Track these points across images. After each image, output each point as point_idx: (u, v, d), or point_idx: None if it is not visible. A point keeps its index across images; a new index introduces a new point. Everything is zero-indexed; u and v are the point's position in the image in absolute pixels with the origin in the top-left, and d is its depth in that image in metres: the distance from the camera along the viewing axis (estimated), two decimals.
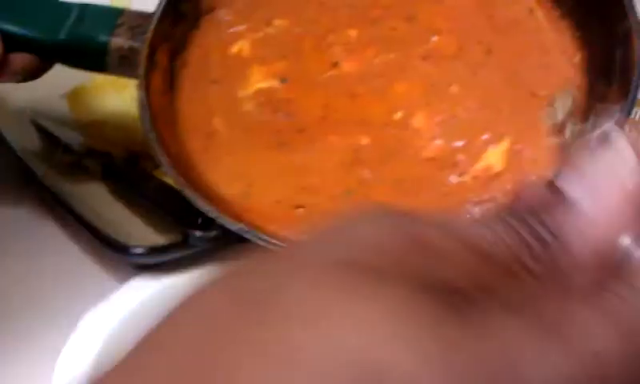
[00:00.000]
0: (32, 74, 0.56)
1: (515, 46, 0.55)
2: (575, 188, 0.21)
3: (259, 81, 0.55)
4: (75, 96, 0.66)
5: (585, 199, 0.21)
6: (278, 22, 0.57)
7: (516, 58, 0.54)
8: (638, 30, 0.50)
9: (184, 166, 0.52)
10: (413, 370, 0.18)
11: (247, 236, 0.48)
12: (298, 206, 0.50)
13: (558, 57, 0.54)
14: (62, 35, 0.55)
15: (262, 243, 0.47)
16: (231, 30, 0.56)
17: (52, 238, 0.60)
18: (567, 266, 0.21)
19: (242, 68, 0.55)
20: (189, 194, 0.49)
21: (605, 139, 0.22)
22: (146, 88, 0.52)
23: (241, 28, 0.56)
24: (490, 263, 0.20)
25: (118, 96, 0.65)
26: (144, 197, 0.61)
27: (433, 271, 0.20)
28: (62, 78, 0.63)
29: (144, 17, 0.54)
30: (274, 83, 0.55)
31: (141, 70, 0.52)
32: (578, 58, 0.54)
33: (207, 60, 0.56)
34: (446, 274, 0.20)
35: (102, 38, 0.54)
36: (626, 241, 0.21)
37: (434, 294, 0.19)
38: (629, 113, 0.49)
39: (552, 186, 0.22)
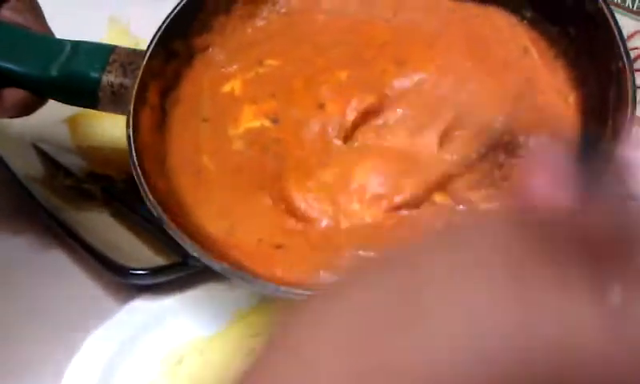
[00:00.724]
0: (25, 109, 0.56)
1: (508, 88, 0.54)
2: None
3: (250, 120, 0.55)
4: (75, 121, 0.67)
5: None
6: (269, 62, 0.56)
7: (509, 102, 0.54)
8: (630, 70, 0.50)
9: (172, 203, 0.52)
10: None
11: (229, 276, 0.48)
12: (278, 246, 0.50)
13: (552, 97, 0.54)
14: (54, 72, 0.55)
15: (244, 282, 0.48)
16: (223, 70, 0.56)
17: (54, 261, 0.61)
18: None
19: (233, 107, 0.55)
20: (172, 231, 0.49)
21: None
22: (135, 125, 0.52)
23: (233, 68, 0.56)
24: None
25: (117, 121, 0.66)
26: (144, 219, 0.61)
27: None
28: (62, 103, 0.64)
29: (136, 54, 0.55)
30: (264, 122, 0.54)
31: (130, 107, 0.52)
32: (572, 97, 0.54)
33: (199, 98, 0.56)
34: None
35: (94, 74, 0.54)
36: None
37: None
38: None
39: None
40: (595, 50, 0.52)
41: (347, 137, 0.53)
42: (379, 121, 0.54)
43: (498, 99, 0.54)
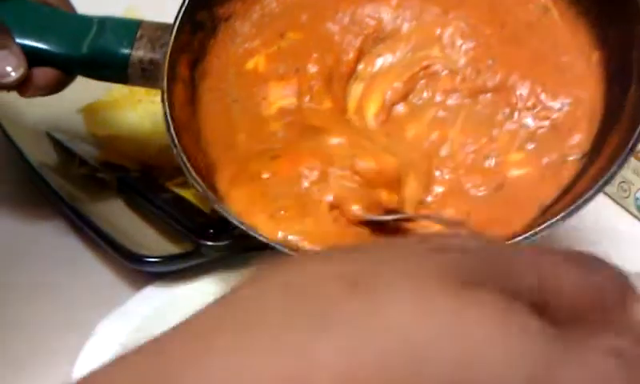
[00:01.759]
0: (55, 87, 0.56)
1: (529, 52, 0.54)
2: None
3: (279, 98, 0.54)
4: (90, 111, 0.67)
5: None
6: (290, 35, 0.56)
7: (531, 64, 0.54)
8: None
9: (210, 177, 0.51)
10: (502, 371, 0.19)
11: (284, 250, 0.47)
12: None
13: (575, 57, 0.53)
14: (84, 49, 0.55)
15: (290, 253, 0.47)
16: (247, 45, 0.56)
17: (68, 248, 0.61)
18: None
19: (259, 85, 0.55)
20: (220, 209, 0.49)
21: None
22: (169, 101, 0.52)
23: (255, 42, 0.56)
24: (588, 298, 0.22)
25: (131, 111, 0.66)
26: (157, 208, 0.61)
27: (533, 288, 0.21)
28: (77, 93, 0.63)
29: (163, 28, 0.54)
30: (293, 100, 0.54)
31: (163, 84, 0.52)
32: (595, 57, 0.53)
33: (226, 76, 0.56)
34: (545, 293, 0.21)
35: (124, 50, 0.54)
36: None
37: (528, 307, 0.21)
38: None
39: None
40: (618, 10, 0.51)
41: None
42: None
43: (518, 62, 0.53)
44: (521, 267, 0.22)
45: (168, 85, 0.52)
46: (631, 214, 0.68)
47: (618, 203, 0.69)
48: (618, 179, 0.67)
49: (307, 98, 0.55)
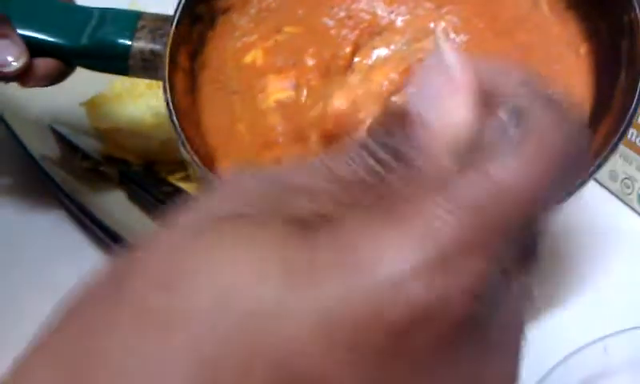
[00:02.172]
0: (56, 78, 0.56)
1: (520, 45, 0.55)
2: (414, 101, 0.22)
3: (277, 91, 0.55)
4: (93, 104, 0.67)
5: (423, 105, 0.22)
6: (288, 29, 0.57)
7: (522, 57, 0.54)
8: None
9: (211, 165, 0.53)
10: (253, 289, 0.19)
11: None
12: None
13: (564, 49, 0.54)
14: (85, 40, 0.55)
15: None
16: (245, 39, 0.57)
17: (69, 241, 0.61)
18: (419, 168, 0.21)
19: (258, 78, 0.56)
20: None
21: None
22: (171, 90, 0.52)
23: (253, 37, 0.57)
24: (342, 187, 0.22)
25: (134, 104, 0.66)
26: (159, 201, 0.62)
27: (292, 206, 0.21)
28: (80, 86, 0.64)
29: (162, 19, 0.55)
30: (291, 93, 0.55)
31: (164, 73, 0.53)
32: (583, 49, 0.54)
33: (224, 68, 0.56)
34: (303, 205, 0.21)
35: (124, 41, 0.55)
36: (500, 117, 0.21)
37: (289, 224, 0.20)
38: (636, 109, 0.49)
39: (395, 109, 0.22)
40: (606, 1, 0.52)
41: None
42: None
43: (510, 55, 0.54)
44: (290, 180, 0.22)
45: (169, 74, 0.53)
46: (634, 210, 0.68)
47: (621, 200, 0.69)
48: (621, 176, 0.67)
49: (305, 92, 0.55)
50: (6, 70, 0.53)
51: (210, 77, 0.56)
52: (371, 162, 0.22)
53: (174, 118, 0.51)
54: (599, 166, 0.49)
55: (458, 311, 0.20)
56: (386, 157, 0.22)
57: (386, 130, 0.22)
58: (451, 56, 0.22)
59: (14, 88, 0.69)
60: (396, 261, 0.19)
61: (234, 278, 0.19)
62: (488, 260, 0.20)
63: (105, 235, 0.59)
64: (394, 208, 0.20)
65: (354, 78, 0.56)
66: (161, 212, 0.22)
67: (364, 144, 0.22)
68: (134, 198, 0.64)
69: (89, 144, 0.67)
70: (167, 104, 0.52)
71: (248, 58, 0.56)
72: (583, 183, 0.49)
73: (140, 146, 0.66)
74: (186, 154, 0.51)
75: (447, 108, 0.21)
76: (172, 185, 0.64)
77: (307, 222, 0.20)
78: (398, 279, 0.19)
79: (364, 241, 0.20)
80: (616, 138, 0.49)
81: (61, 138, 0.67)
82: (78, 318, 0.22)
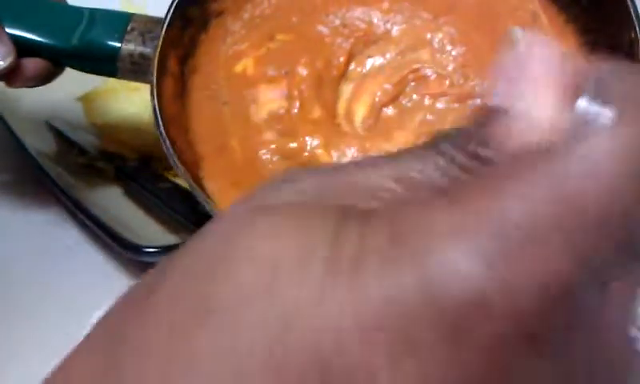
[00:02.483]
0: (44, 79, 0.56)
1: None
2: (504, 96, 0.19)
3: (268, 102, 0.55)
4: (89, 100, 0.67)
5: (516, 98, 0.19)
6: (280, 37, 0.57)
7: None
8: None
9: (196, 171, 0.53)
10: (296, 276, 0.18)
11: None
12: None
13: None
14: (75, 41, 0.55)
15: None
16: (235, 47, 0.56)
17: (66, 237, 0.61)
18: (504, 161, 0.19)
19: (249, 88, 0.56)
20: (203, 201, 0.50)
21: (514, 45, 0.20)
22: (159, 95, 0.52)
23: (244, 45, 0.56)
24: (408, 186, 0.20)
25: (130, 100, 0.66)
26: (156, 197, 0.62)
27: (350, 199, 0.20)
28: (76, 82, 0.64)
29: (153, 22, 0.55)
30: (283, 103, 0.55)
31: (153, 77, 0.52)
32: None
33: (215, 77, 0.56)
34: (363, 200, 0.20)
35: (114, 43, 0.55)
36: (581, 104, 0.18)
37: (343, 212, 0.19)
38: None
39: (485, 110, 0.20)
40: (607, 18, 0.52)
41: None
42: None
43: None
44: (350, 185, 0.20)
45: (157, 78, 0.53)
46: None
47: None
48: None
49: (297, 105, 0.55)
50: None
51: (200, 82, 0.56)
52: (444, 163, 0.20)
53: (161, 125, 0.51)
54: None
55: (524, 308, 0.17)
56: (463, 159, 0.19)
57: (463, 135, 0.20)
58: (542, 46, 0.19)
59: None
60: (454, 247, 0.17)
61: (276, 263, 0.18)
62: (572, 257, 0.17)
63: (101, 231, 0.58)
64: (460, 196, 0.18)
65: (346, 87, 0.56)
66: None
67: (437, 147, 0.20)
68: (130, 194, 0.64)
69: (85, 139, 0.67)
70: (154, 110, 0.52)
71: (239, 67, 0.56)
72: None
73: (136, 140, 0.66)
74: (172, 163, 0.51)
75: (542, 101, 0.19)
76: (168, 180, 0.64)
77: (365, 212, 0.19)
78: (451, 265, 0.17)
79: (420, 227, 0.18)
80: None
81: (57, 134, 0.67)
82: (118, 309, 0.22)
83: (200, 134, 0.54)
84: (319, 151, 0.53)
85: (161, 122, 0.51)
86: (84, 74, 0.61)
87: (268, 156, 0.54)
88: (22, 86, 0.56)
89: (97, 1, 0.58)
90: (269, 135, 0.54)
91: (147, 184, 0.63)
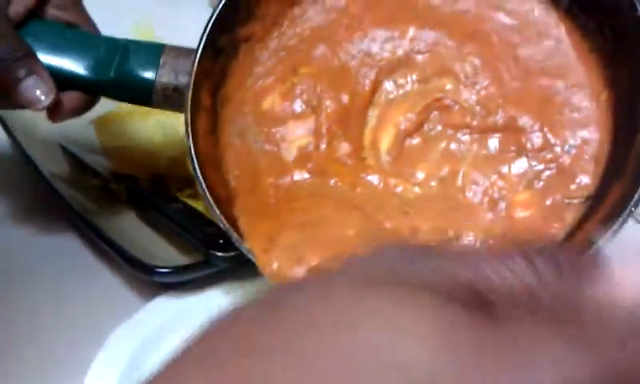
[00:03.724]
0: (83, 110, 0.57)
1: (540, 89, 0.54)
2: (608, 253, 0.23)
3: (297, 139, 0.55)
4: (102, 123, 0.67)
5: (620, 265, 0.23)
6: (303, 70, 0.56)
7: (541, 103, 0.54)
8: None
9: (228, 208, 0.53)
10: (437, 368, 0.20)
11: None
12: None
13: (585, 96, 0.53)
14: (112, 74, 0.55)
15: None
16: (260, 83, 0.56)
17: (80, 258, 0.61)
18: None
19: (277, 125, 0.56)
20: (239, 245, 0.51)
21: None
22: (193, 134, 0.52)
23: (270, 79, 0.56)
24: (499, 283, 0.23)
25: (143, 122, 0.67)
26: (168, 218, 0.62)
27: (460, 284, 0.22)
28: None
29: (184, 54, 0.55)
30: (311, 139, 0.55)
31: (187, 116, 0.53)
32: (604, 96, 0.53)
33: (243, 114, 0.56)
34: (462, 287, 0.22)
35: (148, 76, 0.55)
36: None
37: (464, 303, 0.21)
38: None
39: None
40: (632, 51, 0.51)
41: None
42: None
43: (529, 100, 0.54)
44: (455, 268, 0.23)
45: (191, 116, 0.53)
46: (635, 219, 0.67)
47: None
48: None
49: (325, 141, 0.55)
50: (37, 106, 0.54)
51: (231, 115, 0.56)
52: (537, 271, 0.23)
53: (196, 166, 0.52)
54: (612, 236, 0.48)
55: None
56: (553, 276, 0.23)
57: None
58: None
59: None
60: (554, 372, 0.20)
61: (394, 338, 0.20)
62: None
63: (114, 252, 0.59)
64: (558, 321, 0.22)
65: (372, 113, 0.56)
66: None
67: (534, 258, 0.23)
68: (142, 215, 0.64)
69: (98, 162, 0.67)
70: (189, 150, 0.52)
71: (266, 104, 0.56)
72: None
73: (149, 162, 0.67)
74: (207, 204, 0.51)
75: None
76: (180, 201, 0.65)
77: (468, 303, 0.22)
78: None
79: (533, 342, 0.21)
80: (627, 211, 0.48)
81: (71, 157, 0.68)
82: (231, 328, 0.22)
83: (232, 171, 0.55)
84: (344, 188, 0.54)
85: (196, 163, 0.52)
86: None
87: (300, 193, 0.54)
88: (62, 120, 0.56)
89: (107, 24, 0.59)
90: (298, 175, 0.55)
91: (159, 205, 0.63)
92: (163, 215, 0.63)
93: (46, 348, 0.55)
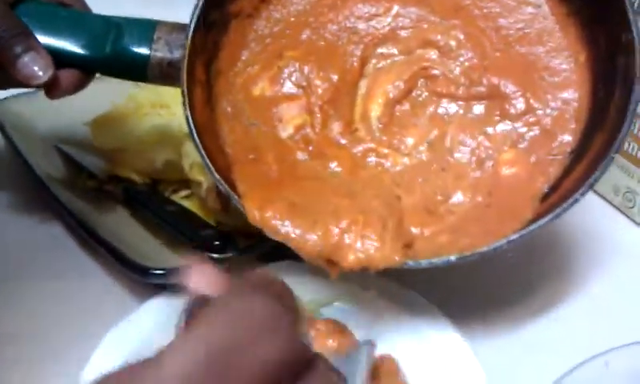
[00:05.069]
0: (78, 87, 0.57)
1: (522, 56, 0.56)
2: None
3: (293, 118, 0.56)
4: (97, 124, 0.67)
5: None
6: (289, 54, 0.58)
7: (523, 69, 0.56)
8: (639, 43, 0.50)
9: (227, 173, 0.54)
10: None
11: None
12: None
13: (565, 58, 0.55)
14: (107, 51, 0.56)
15: None
16: (248, 70, 0.57)
17: (75, 260, 0.61)
18: None
19: (271, 108, 0.57)
20: (240, 207, 0.52)
21: None
22: (190, 105, 0.53)
23: (255, 68, 0.57)
24: None
25: (138, 124, 0.67)
26: (163, 220, 0.62)
27: None
28: (84, 106, 0.65)
29: (177, 28, 0.56)
30: (306, 118, 0.56)
31: (184, 88, 0.54)
32: (583, 57, 0.55)
33: (235, 101, 0.57)
34: None
35: (143, 51, 0.56)
36: None
37: None
38: (630, 123, 0.50)
39: None
40: (607, 16, 0.53)
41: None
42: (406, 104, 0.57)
43: (511, 68, 0.56)
44: None
45: (188, 88, 0.54)
46: (636, 223, 0.68)
47: (623, 213, 0.69)
48: (622, 189, 0.67)
49: (318, 123, 0.57)
50: (35, 82, 0.54)
51: (224, 87, 0.57)
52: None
53: (195, 134, 0.53)
54: (594, 182, 0.50)
55: None
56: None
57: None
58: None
59: (20, 107, 0.70)
60: None
61: None
62: None
63: (109, 253, 0.59)
64: None
65: (362, 83, 0.57)
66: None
67: None
68: (138, 216, 0.64)
69: (94, 164, 0.67)
70: (187, 120, 0.53)
71: (256, 91, 0.57)
72: (579, 200, 0.50)
73: (144, 165, 0.67)
74: (207, 170, 0.52)
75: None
76: (174, 203, 0.65)
77: None
78: None
79: None
80: (608, 157, 0.50)
81: (66, 158, 0.68)
82: None
83: (229, 142, 0.56)
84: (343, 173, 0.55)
85: (195, 131, 0.53)
86: (92, 100, 0.62)
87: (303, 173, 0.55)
88: (59, 97, 0.56)
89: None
90: (300, 156, 0.56)
91: (155, 207, 0.63)
92: (158, 217, 0.63)
93: (40, 348, 0.55)
